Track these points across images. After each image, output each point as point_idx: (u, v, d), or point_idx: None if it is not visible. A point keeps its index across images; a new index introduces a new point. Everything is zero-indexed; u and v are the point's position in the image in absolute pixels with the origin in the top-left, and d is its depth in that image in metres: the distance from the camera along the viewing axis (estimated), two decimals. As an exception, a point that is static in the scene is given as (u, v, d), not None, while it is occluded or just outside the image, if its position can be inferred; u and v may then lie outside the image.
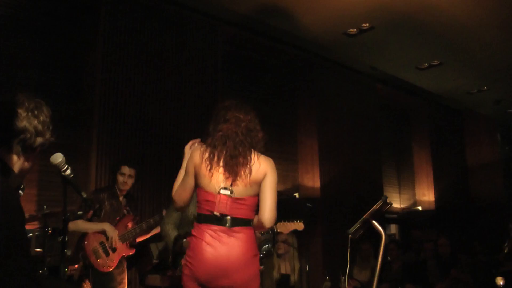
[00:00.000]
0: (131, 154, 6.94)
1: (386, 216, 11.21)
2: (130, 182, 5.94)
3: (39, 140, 2.36)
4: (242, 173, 3.43)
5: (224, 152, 3.44)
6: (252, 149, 3.51)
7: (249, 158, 3.46)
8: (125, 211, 5.91)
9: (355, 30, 8.88)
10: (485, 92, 12.41)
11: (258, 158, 3.50)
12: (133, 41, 7.40)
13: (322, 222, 9.56)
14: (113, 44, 7.19)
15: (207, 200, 3.47)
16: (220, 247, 3.38)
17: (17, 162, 2.34)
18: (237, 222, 3.43)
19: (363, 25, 8.69)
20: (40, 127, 2.35)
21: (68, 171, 3.54)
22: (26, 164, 2.39)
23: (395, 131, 13.08)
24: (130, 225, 5.85)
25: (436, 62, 10.48)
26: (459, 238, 10.72)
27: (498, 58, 10.27)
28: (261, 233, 5.19)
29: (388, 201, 4.03)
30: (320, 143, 9.99)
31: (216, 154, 3.46)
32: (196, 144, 3.63)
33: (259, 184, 3.49)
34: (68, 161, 3.56)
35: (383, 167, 11.75)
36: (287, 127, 10.06)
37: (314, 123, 10.09)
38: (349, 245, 4.08)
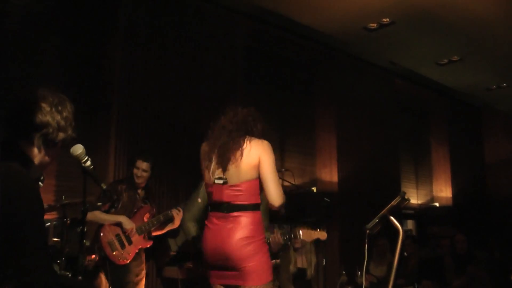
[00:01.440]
0: (149, 147, 6.95)
1: (403, 211, 11.17)
2: (144, 175, 5.93)
3: (61, 135, 2.37)
4: (233, 157, 3.55)
5: (219, 140, 3.62)
6: (247, 135, 3.63)
7: (241, 142, 3.57)
8: (142, 203, 5.93)
9: (375, 24, 8.82)
10: (505, 89, 12.27)
11: (250, 142, 3.59)
12: (152, 35, 7.40)
13: (340, 217, 9.53)
14: (132, 38, 7.20)
15: (208, 191, 3.68)
16: (220, 232, 3.54)
17: (38, 156, 2.35)
18: (235, 207, 3.55)
19: (384, 20, 8.63)
20: (62, 122, 2.36)
21: (88, 163, 3.59)
22: (47, 158, 2.40)
23: (413, 127, 12.99)
24: (147, 217, 5.86)
25: (455, 58, 10.38)
26: (476, 234, 10.65)
27: (518, 55, 10.17)
28: (283, 236, 5.22)
29: (406, 197, 4.02)
30: (338, 137, 9.96)
31: (212, 144, 3.66)
32: None
33: (254, 167, 3.57)
34: (87, 152, 3.60)
35: (400, 162, 11.70)
36: (305, 121, 10.01)
37: (332, 117, 10.06)
38: (366, 240, 4.09)
